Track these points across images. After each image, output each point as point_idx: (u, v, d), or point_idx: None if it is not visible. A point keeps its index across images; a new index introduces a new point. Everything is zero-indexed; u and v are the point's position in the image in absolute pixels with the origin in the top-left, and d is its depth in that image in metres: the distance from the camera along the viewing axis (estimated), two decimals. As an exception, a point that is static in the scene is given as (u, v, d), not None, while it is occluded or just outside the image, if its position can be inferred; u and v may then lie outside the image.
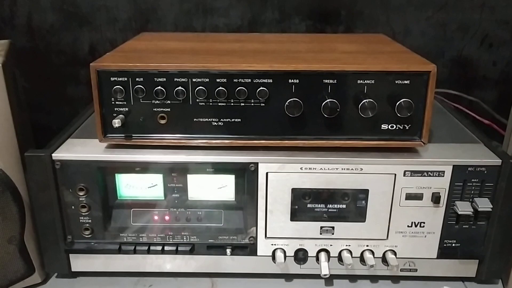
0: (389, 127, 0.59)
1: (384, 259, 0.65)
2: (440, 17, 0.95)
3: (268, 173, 0.61)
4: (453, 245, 0.64)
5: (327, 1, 0.95)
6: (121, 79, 0.58)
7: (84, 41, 0.98)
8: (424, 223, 0.63)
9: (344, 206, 0.63)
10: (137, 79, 0.58)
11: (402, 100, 0.56)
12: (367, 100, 0.56)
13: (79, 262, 0.66)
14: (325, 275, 0.63)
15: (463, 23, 0.95)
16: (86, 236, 0.64)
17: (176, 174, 0.62)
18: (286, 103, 0.57)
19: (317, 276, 0.64)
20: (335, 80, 0.57)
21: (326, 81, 0.57)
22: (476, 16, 0.94)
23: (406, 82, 0.57)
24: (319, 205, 0.62)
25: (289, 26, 0.96)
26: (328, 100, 0.56)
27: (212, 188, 0.63)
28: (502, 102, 0.97)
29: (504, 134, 0.80)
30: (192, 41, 0.73)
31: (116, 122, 0.57)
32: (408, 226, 0.63)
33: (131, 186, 0.64)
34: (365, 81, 0.57)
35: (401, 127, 0.59)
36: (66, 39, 0.98)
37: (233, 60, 0.59)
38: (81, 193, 0.62)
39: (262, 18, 0.96)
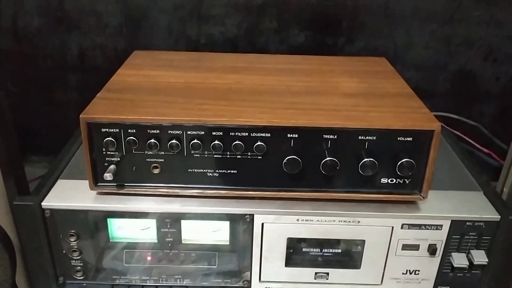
0: (389, 181, 0.58)
1: (377, 301, 0.65)
2: (444, 30, 0.91)
3: (264, 224, 0.60)
4: (447, 290, 0.64)
5: (328, 11, 0.90)
6: (112, 130, 0.55)
7: (73, 46, 0.94)
8: (419, 271, 0.63)
9: (339, 255, 0.62)
10: (129, 130, 0.55)
11: (404, 160, 0.54)
12: (368, 159, 0.54)
13: (71, 301, 0.65)
14: (318, 319, 0.63)
15: (468, 38, 0.92)
16: (78, 278, 0.63)
17: (169, 220, 0.61)
18: (285, 161, 0.55)
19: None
20: (335, 136, 0.55)
21: (326, 136, 0.55)
22: (482, 31, 0.91)
23: (409, 139, 0.55)
24: (314, 253, 0.62)
25: (287, 36, 0.92)
26: (327, 158, 0.55)
27: (206, 232, 0.62)
28: (503, 119, 0.96)
29: (503, 164, 0.79)
30: (187, 71, 0.69)
31: (108, 176, 0.55)
32: (403, 273, 0.63)
33: (124, 228, 0.62)
34: (367, 137, 0.55)
35: (401, 182, 0.58)
36: (53, 43, 0.93)
37: (230, 110, 0.56)
38: (72, 239, 0.60)
39: (260, 28, 0.91)
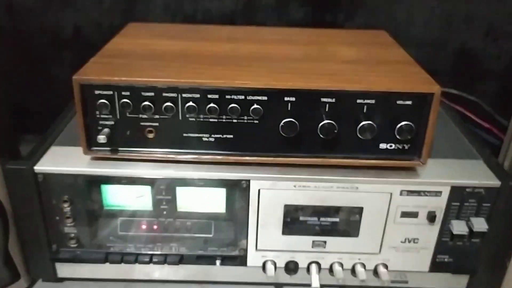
0: (388, 146, 0.57)
1: (375, 272, 0.64)
2: (445, 7, 0.90)
3: (261, 190, 0.59)
4: (446, 260, 0.63)
5: (327, -14, 0.89)
6: (106, 92, 0.54)
7: (68, 22, 0.93)
8: (418, 239, 0.62)
9: (337, 222, 0.61)
10: (123, 93, 0.54)
11: (403, 123, 0.54)
12: (367, 122, 0.53)
13: (65, 269, 0.64)
14: (315, 287, 0.62)
15: (468, 15, 0.91)
16: (72, 246, 0.62)
17: (164, 187, 0.60)
18: (281, 124, 0.54)
19: (307, 285, 0.64)
20: (333, 99, 0.54)
21: (324, 99, 0.54)
22: (483, 8, 0.90)
23: (408, 102, 0.54)
24: (312, 218, 0.61)
25: (286, 12, 0.91)
26: (325, 121, 0.54)
27: (202, 200, 0.61)
28: (504, 97, 0.95)
29: (503, 139, 0.78)
30: (182, 39, 0.68)
31: (101, 138, 0.54)
32: (401, 242, 0.62)
33: (118, 196, 0.61)
34: (365, 101, 0.54)
35: (400, 147, 0.57)
36: (48, 20, 0.92)
37: (226, 74, 0.55)
38: (65, 205, 0.59)
39: (258, 3, 0.90)
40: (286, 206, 0.60)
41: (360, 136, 0.54)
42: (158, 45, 0.66)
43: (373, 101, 0.54)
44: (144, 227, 0.62)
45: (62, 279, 0.66)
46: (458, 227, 0.60)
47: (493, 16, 0.90)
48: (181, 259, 0.63)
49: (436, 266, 0.64)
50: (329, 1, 0.90)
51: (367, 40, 0.72)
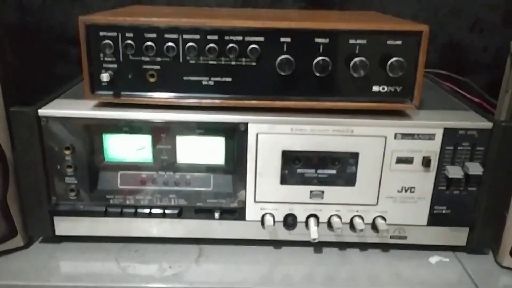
0: (381, 89, 0.59)
1: (373, 226, 0.64)
2: (432, 1, 0.95)
3: (258, 134, 0.60)
4: (444, 211, 0.64)
5: (320, -18, 0.95)
6: (110, 34, 0.57)
7: (75, 19, 0.97)
8: (414, 188, 0.62)
9: (334, 170, 0.62)
10: (126, 34, 0.57)
11: (394, 59, 0.56)
12: (359, 59, 0.56)
13: (63, 226, 0.64)
14: (314, 239, 0.62)
15: (454, 7, 0.96)
16: (71, 198, 0.63)
17: (164, 135, 0.61)
18: (278, 61, 0.57)
19: (307, 244, 0.64)
20: (327, 39, 0.57)
21: (318, 40, 0.57)
22: (469, 1, 0.95)
23: (398, 42, 0.57)
24: (309, 169, 0.62)
25: (282, 7, 0.96)
26: (319, 58, 0.56)
27: (202, 151, 0.62)
28: (492, 86, 0.97)
29: (494, 113, 0.81)
30: (185, 10, 0.72)
31: (104, 77, 0.57)
32: (398, 191, 0.63)
33: (119, 148, 0.62)
34: (357, 41, 0.57)
35: (393, 89, 0.59)
36: (57, 16, 0.97)
37: (225, 17, 0.59)
38: (67, 152, 0.60)
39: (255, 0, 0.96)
40: (284, 152, 0.61)
41: (353, 74, 0.57)
42: (160, 10, 0.70)
43: (364, 41, 0.57)
44: (144, 180, 0.63)
45: (60, 238, 0.66)
46: (454, 171, 0.60)
47: (479, 8, 0.95)
48: (180, 212, 0.63)
49: (434, 219, 0.64)
50: (322, -4, 0.96)
51: (358, 13, 0.76)
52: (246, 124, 0.59)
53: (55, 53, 1.00)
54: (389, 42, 0.57)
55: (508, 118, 0.72)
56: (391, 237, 0.65)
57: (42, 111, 0.59)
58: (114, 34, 0.57)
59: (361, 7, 0.96)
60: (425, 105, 0.64)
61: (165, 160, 0.62)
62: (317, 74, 0.57)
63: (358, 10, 0.96)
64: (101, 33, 0.57)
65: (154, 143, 0.61)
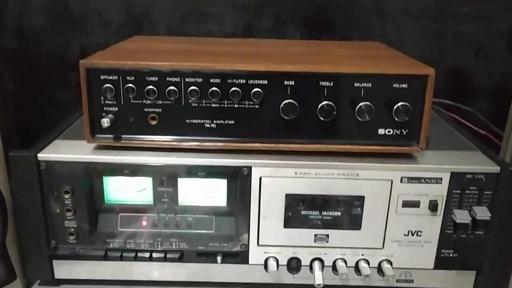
0: (386, 132, 0.58)
1: (379, 269, 0.63)
2: (435, 27, 0.94)
3: (262, 178, 0.59)
4: (451, 255, 0.62)
5: (322, 9, 0.94)
6: (111, 77, 0.56)
7: (75, 45, 0.97)
8: (421, 231, 0.61)
9: (339, 213, 0.61)
10: (128, 77, 0.56)
11: (400, 104, 0.55)
12: (364, 103, 0.55)
13: (62, 269, 0.63)
14: (319, 285, 0.61)
15: (458, 34, 0.95)
16: (71, 241, 0.61)
17: (166, 177, 0.60)
18: (282, 105, 0.55)
19: (311, 286, 0.62)
20: (331, 83, 0.56)
21: (323, 83, 0.56)
22: (472, 27, 0.94)
23: (403, 85, 0.56)
24: (314, 211, 0.60)
25: (284, 33, 0.95)
26: (324, 102, 0.55)
27: (204, 193, 0.61)
28: (498, 114, 0.96)
29: (500, 145, 0.79)
30: (186, 43, 0.71)
31: (105, 122, 0.55)
32: (404, 235, 0.61)
33: (119, 190, 0.61)
34: (362, 84, 0.56)
35: (398, 132, 0.58)
36: (56, 42, 0.96)
37: (227, 60, 0.58)
38: (66, 196, 0.59)
39: (257, 25, 0.95)
40: (287, 195, 0.60)
41: (358, 118, 0.55)
42: (162, 46, 0.69)
43: (369, 85, 0.56)
44: (144, 222, 0.62)
45: (59, 281, 0.64)
46: (461, 216, 0.59)
47: (482, 35, 0.94)
48: (182, 256, 0.62)
49: (441, 262, 0.62)
50: (324, 23, 0.95)
51: (362, 46, 0.75)
52: (249, 168, 0.58)
53: (55, 79, 0.99)
54: (394, 85, 0.56)
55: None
56: (397, 281, 0.64)
57: (41, 155, 0.58)
58: (115, 77, 0.56)
59: (364, 33, 0.95)
60: (430, 143, 0.63)
61: (166, 202, 0.61)
62: (322, 119, 0.56)
63: (361, 39, 0.95)
64: (102, 77, 0.56)
65: (155, 185, 0.60)
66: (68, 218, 0.60)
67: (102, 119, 0.55)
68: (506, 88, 0.97)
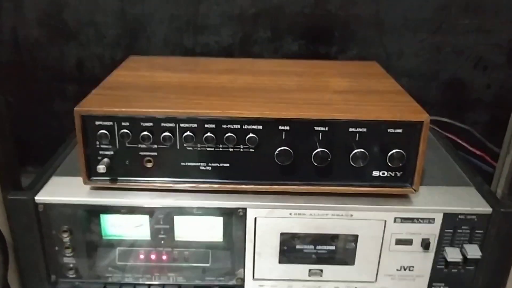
0: (380, 174, 0.58)
1: (372, 301, 0.65)
2: (434, 39, 0.93)
3: (257, 218, 0.60)
4: (441, 287, 0.64)
5: (320, 21, 0.92)
6: (106, 123, 0.56)
7: (71, 57, 0.96)
8: (413, 267, 0.62)
9: (333, 248, 0.62)
10: (122, 123, 0.56)
11: (394, 151, 0.55)
12: (359, 150, 0.55)
13: (64, 300, 0.65)
14: (313, 317, 0.62)
15: (457, 46, 0.94)
16: (70, 276, 0.63)
17: (162, 215, 0.61)
18: (276, 152, 0.56)
19: (305, 317, 0.64)
20: (326, 128, 0.56)
21: (318, 128, 0.56)
22: (471, 39, 0.93)
23: (398, 131, 0.56)
24: (308, 249, 0.62)
25: (281, 45, 0.94)
26: (319, 149, 0.55)
27: (200, 229, 0.62)
28: (495, 126, 0.96)
29: (495, 165, 0.80)
30: (181, 71, 0.71)
31: (101, 168, 0.56)
32: (397, 270, 0.63)
33: (117, 226, 0.62)
34: (357, 129, 0.56)
35: (393, 174, 0.58)
36: (52, 54, 0.95)
37: (223, 104, 0.57)
38: (65, 235, 0.60)
39: (254, 37, 0.93)
40: (282, 234, 0.61)
41: (353, 164, 0.56)
42: (157, 77, 0.68)
43: (364, 130, 0.56)
44: (142, 257, 0.63)
45: (61, 310, 0.66)
46: (452, 254, 0.60)
47: (481, 47, 0.93)
48: (179, 289, 0.64)
49: (432, 294, 0.64)
50: (322, 35, 0.93)
51: (358, 71, 0.74)
52: (244, 209, 0.59)
53: (52, 90, 0.99)
54: (389, 130, 0.56)
55: (508, 182, 0.72)
56: (389, 312, 0.66)
57: (39, 198, 0.58)
58: (110, 123, 0.56)
59: (362, 45, 0.94)
60: (424, 174, 0.63)
61: (163, 238, 0.62)
62: (316, 164, 0.56)
63: (359, 50, 0.94)
64: (97, 123, 0.56)
65: (152, 222, 0.61)
66: (67, 255, 0.61)
67: (98, 166, 0.56)
68: (504, 101, 0.97)
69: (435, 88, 0.97)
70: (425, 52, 0.94)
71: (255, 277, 0.63)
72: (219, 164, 0.58)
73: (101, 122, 0.56)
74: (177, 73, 0.70)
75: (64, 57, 0.96)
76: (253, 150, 0.57)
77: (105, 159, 0.57)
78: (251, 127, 0.56)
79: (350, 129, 0.56)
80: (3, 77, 0.96)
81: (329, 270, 0.63)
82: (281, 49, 0.95)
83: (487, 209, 0.59)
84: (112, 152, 0.57)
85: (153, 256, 0.63)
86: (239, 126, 0.56)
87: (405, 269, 0.62)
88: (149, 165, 0.58)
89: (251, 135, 0.56)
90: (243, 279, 0.63)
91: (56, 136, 1.00)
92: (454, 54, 0.94)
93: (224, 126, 0.56)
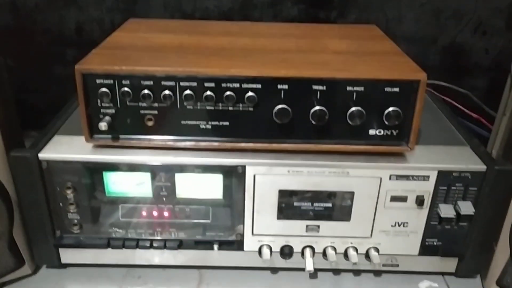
0: (377, 132, 0.60)
1: (367, 255, 0.67)
2: (434, 4, 0.93)
3: (256, 175, 0.61)
4: (435, 243, 0.66)
5: (320, -16, 0.92)
6: (107, 81, 0.57)
7: (70, 21, 0.96)
8: (407, 223, 0.64)
9: (330, 205, 0.63)
10: (123, 82, 0.57)
11: (391, 109, 0.56)
12: (356, 108, 0.56)
13: (68, 255, 0.67)
14: (310, 271, 0.65)
15: (457, 10, 0.93)
16: (75, 231, 0.65)
17: (163, 173, 0.62)
18: (275, 110, 0.57)
19: (302, 269, 0.66)
20: (324, 87, 0.57)
21: (316, 87, 0.57)
22: (471, 4, 0.93)
23: (395, 89, 0.57)
24: (305, 203, 0.63)
25: (281, 9, 0.94)
26: (317, 108, 0.56)
27: (200, 187, 0.63)
28: (493, 91, 0.97)
29: (492, 128, 0.81)
30: (181, 33, 0.71)
31: (103, 126, 0.57)
32: (391, 226, 0.64)
33: (119, 183, 0.64)
34: (355, 88, 0.57)
35: (389, 133, 0.60)
36: (52, 18, 0.95)
37: (222, 63, 0.58)
38: (68, 191, 0.62)
39: (254, 1, 0.93)
40: (280, 191, 0.62)
41: (350, 122, 0.57)
42: (156, 38, 0.68)
43: (362, 89, 0.57)
44: (144, 213, 0.65)
45: (66, 265, 0.68)
46: (446, 210, 0.62)
47: (481, 11, 0.93)
48: (180, 244, 0.66)
49: (425, 250, 0.66)
50: (322, -1, 0.93)
51: (357, 34, 0.74)
52: (243, 167, 0.60)
53: (52, 55, 0.99)
54: (386, 89, 0.57)
55: (503, 143, 0.73)
56: (383, 265, 0.68)
57: (42, 155, 0.60)
58: (111, 81, 0.57)
59: (362, 12, 0.94)
60: (420, 135, 0.64)
61: (164, 195, 0.64)
62: (314, 123, 0.57)
63: (359, 15, 0.94)
64: (98, 81, 0.57)
65: (154, 180, 0.63)
66: (71, 211, 0.63)
67: (100, 123, 0.57)
68: (502, 67, 0.97)
69: (434, 53, 0.97)
70: (425, 17, 0.94)
71: (254, 232, 0.65)
72: (219, 122, 0.59)
73: (102, 81, 0.57)
74: (176, 34, 0.70)
75: (64, 21, 0.96)
76: (252, 109, 0.58)
77: (107, 117, 0.58)
78: (250, 86, 0.57)
79: (348, 88, 0.57)
80: (2, 41, 0.96)
81: (326, 226, 0.65)
82: (281, 14, 0.94)
83: (481, 166, 0.60)
84: (113, 111, 0.58)
85: (155, 213, 0.65)
86: (238, 85, 0.57)
87: (399, 225, 0.64)
88: (150, 123, 0.59)
89: (250, 94, 0.57)
90: (242, 235, 0.65)
91: (56, 100, 1.01)
92: (454, 19, 0.94)
93: (224, 85, 0.57)
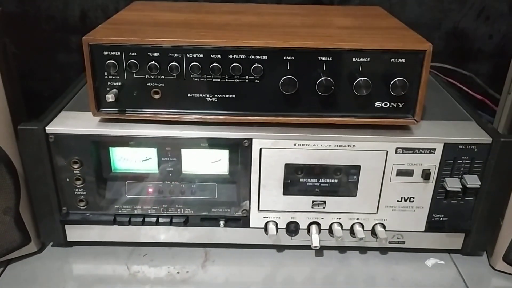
0: (383, 105, 0.60)
1: (373, 232, 0.67)
2: (438, -13, 0.93)
3: (262, 149, 0.61)
4: (441, 219, 0.66)
5: (324, -31, 0.93)
6: (114, 53, 0.57)
7: (75, 7, 0.96)
8: (413, 198, 0.64)
9: (336, 181, 0.63)
10: (130, 53, 0.57)
11: (397, 79, 0.56)
12: (362, 78, 0.56)
13: (74, 232, 0.67)
14: (316, 246, 0.64)
15: (461, -6, 0.94)
16: (81, 208, 0.65)
17: (170, 148, 0.62)
18: (281, 80, 0.57)
19: (308, 247, 0.66)
20: (330, 58, 0.57)
21: (322, 58, 0.57)
22: (475, -12, 0.93)
23: (401, 60, 0.57)
24: (312, 179, 0.63)
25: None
26: (323, 78, 0.56)
27: (206, 162, 0.64)
28: (496, 76, 0.97)
29: (496, 110, 0.81)
30: (186, 13, 0.71)
31: (110, 97, 0.57)
32: (397, 201, 0.64)
33: (125, 159, 0.64)
34: (361, 59, 0.57)
35: (395, 105, 0.60)
36: (56, 5, 0.96)
37: (228, 35, 0.58)
38: (75, 166, 0.62)
39: (257, -15, 0.94)
40: (286, 165, 0.62)
41: (356, 93, 0.57)
42: (162, 16, 0.69)
43: (367, 59, 0.57)
44: (150, 190, 0.65)
45: (72, 243, 0.68)
46: (452, 183, 0.62)
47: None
48: (186, 221, 0.66)
49: (431, 226, 0.66)
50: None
51: (362, 13, 0.75)
52: (250, 140, 0.61)
53: (56, 42, 0.99)
54: (392, 60, 0.57)
55: (509, 122, 0.73)
56: (389, 242, 0.68)
57: (49, 129, 0.60)
58: (118, 53, 0.57)
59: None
60: (426, 111, 0.65)
61: (170, 171, 0.64)
62: (320, 93, 0.57)
63: (362, 2, 0.94)
64: (105, 53, 0.57)
65: (160, 155, 0.63)
66: (78, 186, 0.63)
67: (107, 95, 0.57)
68: (506, 51, 0.98)
69: (438, 38, 0.98)
70: (428, 1, 0.94)
71: (260, 208, 0.65)
72: (225, 95, 0.59)
73: (108, 52, 0.57)
74: (182, 13, 0.71)
75: (68, 7, 0.96)
76: (258, 81, 0.58)
77: (114, 90, 0.58)
78: (256, 57, 0.57)
79: (354, 59, 0.57)
80: (7, 28, 0.97)
81: (332, 202, 0.65)
82: (284, -1, 0.95)
83: (487, 138, 0.60)
84: (120, 83, 0.59)
85: (161, 189, 0.65)
86: (244, 56, 0.57)
87: (405, 200, 0.64)
88: (157, 96, 0.60)
89: (256, 65, 0.57)
90: (248, 211, 0.65)
91: (60, 87, 1.01)
92: (457, 3, 0.95)
93: (230, 56, 0.57)
